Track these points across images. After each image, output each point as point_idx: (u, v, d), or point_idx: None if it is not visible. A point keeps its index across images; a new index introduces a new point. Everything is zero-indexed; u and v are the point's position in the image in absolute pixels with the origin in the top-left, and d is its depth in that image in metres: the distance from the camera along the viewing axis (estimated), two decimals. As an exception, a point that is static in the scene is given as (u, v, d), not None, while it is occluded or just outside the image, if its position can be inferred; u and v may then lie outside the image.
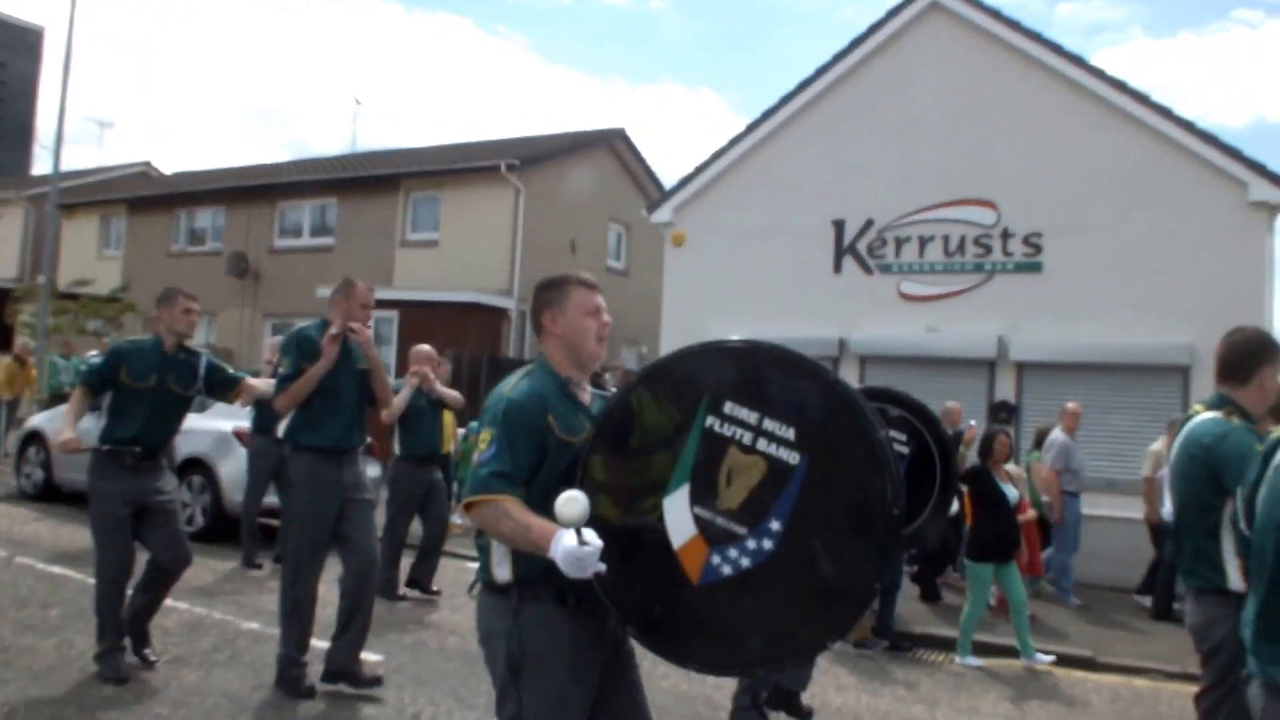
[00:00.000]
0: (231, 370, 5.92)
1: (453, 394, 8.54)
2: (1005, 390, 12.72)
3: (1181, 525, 3.57)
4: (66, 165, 27.56)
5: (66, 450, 5.20)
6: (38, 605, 6.83)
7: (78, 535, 9.01)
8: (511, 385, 2.80)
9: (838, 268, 14.07)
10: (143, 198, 25.70)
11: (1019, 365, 12.94)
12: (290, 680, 5.28)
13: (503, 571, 2.73)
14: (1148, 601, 10.19)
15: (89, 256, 26.35)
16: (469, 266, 18.95)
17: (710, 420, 2.55)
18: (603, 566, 2.44)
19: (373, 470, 10.64)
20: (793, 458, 2.46)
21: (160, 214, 25.06)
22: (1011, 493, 8.12)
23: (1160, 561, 10.06)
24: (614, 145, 21.87)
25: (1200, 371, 12.18)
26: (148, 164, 30.39)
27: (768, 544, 2.46)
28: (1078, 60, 12.99)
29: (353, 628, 5.34)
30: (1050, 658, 7.92)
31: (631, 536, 2.59)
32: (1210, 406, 3.64)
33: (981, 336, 12.96)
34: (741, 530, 2.49)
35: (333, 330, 5.29)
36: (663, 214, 15.45)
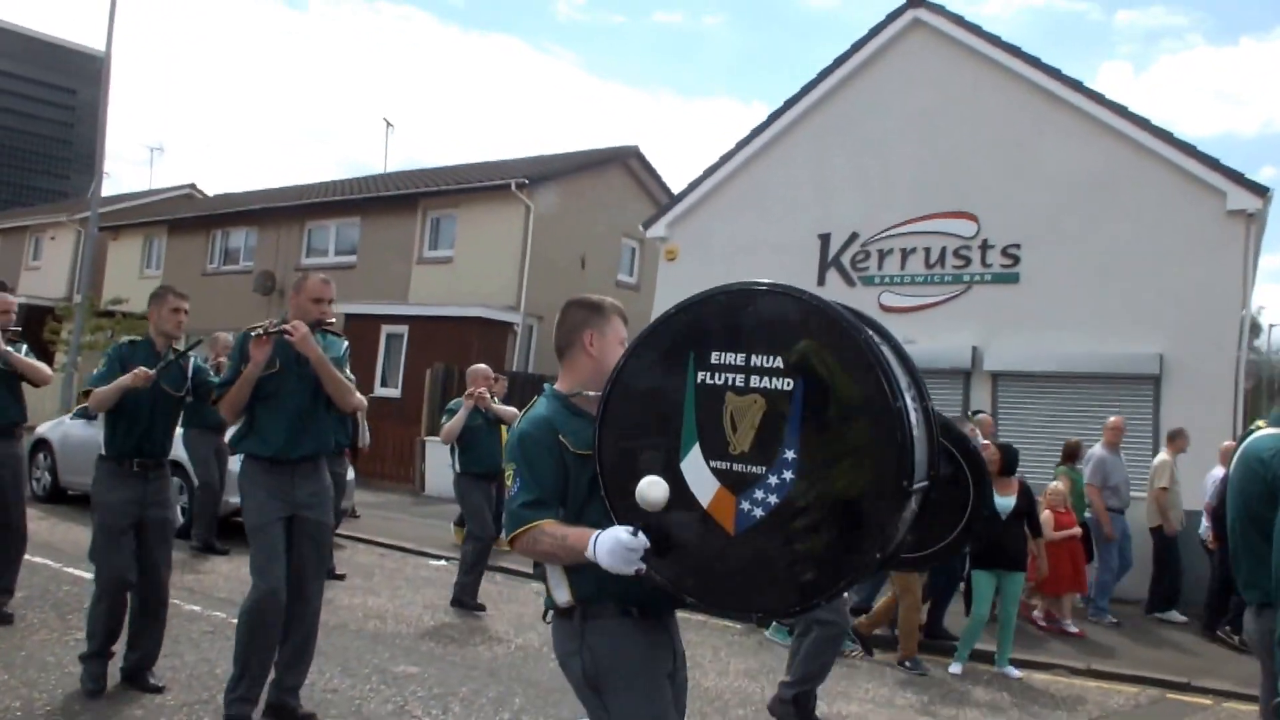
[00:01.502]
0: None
1: (509, 410, 8.55)
2: (980, 400, 12.82)
3: (1239, 540, 3.55)
4: (120, 189, 28.58)
5: (139, 381, 5.08)
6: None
7: (72, 532, 9.67)
8: (520, 418, 2.87)
9: (822, 280, 14.31)
10: (181, 219, 26.71)
11: (993, 375, 13.06)
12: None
13: (561, 594, 2.77)
14: (1172, 616, 9.87)
15: (132, 276, 27.38)
16: (479, 282, 19.44)
17: (701, 375, 2.55)
18: (643, 566, 2.49)
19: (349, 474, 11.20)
20: (786, 384, 2.46)
21: (198, 235, 26.03)
22: (1003, 502, 7.96)
23: (1167, 573, 9.92)
24: (627, 162, 22.27)
25: (1171, 381, 12.22)
26: (192, 186, 31.50)
27: (788, 474, 2.45)
28: (1055, 73, 13.12)
29: (283, 652, 4.88)
30: (1019, 673, 7.59)
31: (664, 511, 2.55)
32: (1273, 423, 3.58)
33: (957, 347, 13.09)
34: (759, 469, 2.48)
35: (258, 328, 4.79)
36: (658, 229, 15.83)
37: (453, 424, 8.19)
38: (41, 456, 12.39)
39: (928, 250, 13.67)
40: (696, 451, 2.56)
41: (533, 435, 2.74)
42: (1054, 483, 9.52)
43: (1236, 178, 12.06)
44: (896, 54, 14.22)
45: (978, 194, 13.34)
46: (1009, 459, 8.11)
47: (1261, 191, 11.95)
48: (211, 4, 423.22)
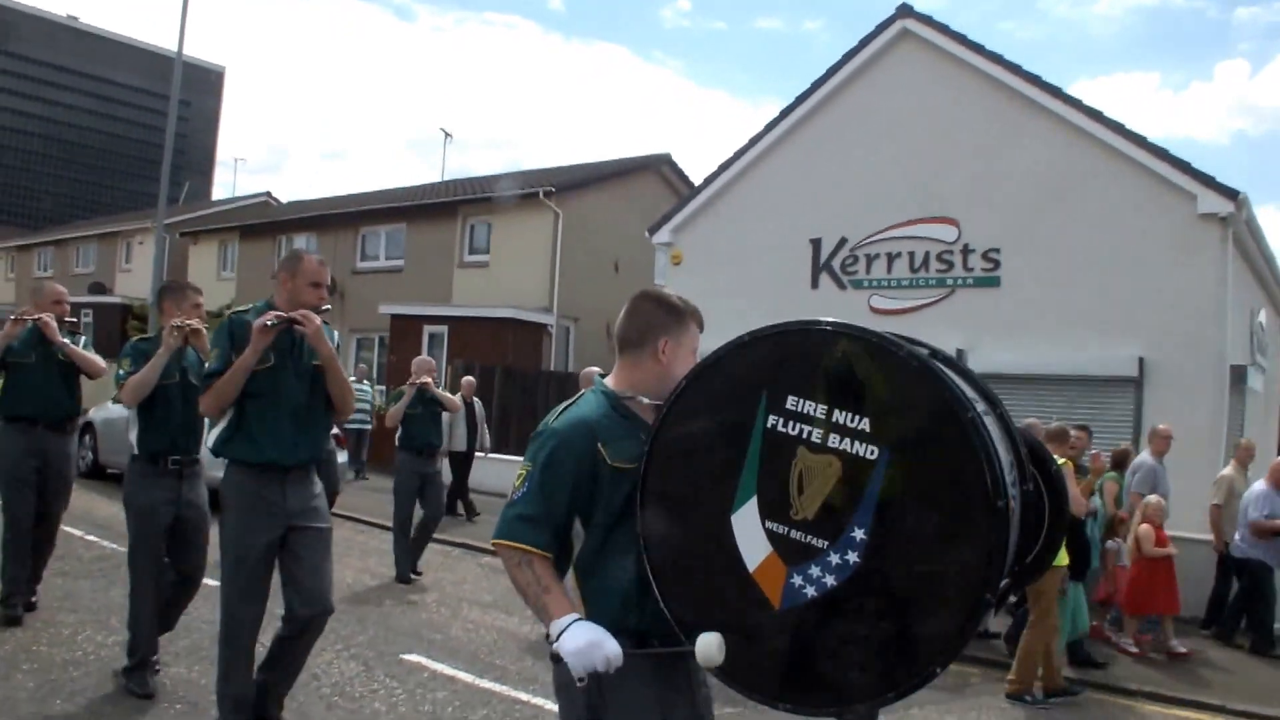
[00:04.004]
0: None
1: (450, 397, 9.79)
2: (956, 401, 13.11)
3: None
4: (223, 194, 30.23)
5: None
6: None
7: (108, 507, 10.59)
8: (558, 414, 2.54)
9: (815, 284, 14.80)
10: (251, 225, 28.33)
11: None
12: None
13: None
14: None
15: (210, 279, 29.08)
16: (514, 285, 20.42)
17: (772, 419, 2.24)
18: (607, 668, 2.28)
19: (340, 456, 12.18)
20: (870, 452, 2.13)
21: (266, 240, 27.61)
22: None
23: (1223, 592, 9.56)
24: (660, 170, 23.02)
25: (1151, 383, 12.40)
26: (268, 194, 33.24)
27: (853, 556, 2.14)
28: (1035, 79, 13.35)
29: (276, 669, 4.45)
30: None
31: (702, 559, 2.32)
32: None
33: (943, 349, 13.23)
34: (821, 543, 2.17)
35: (265, 319, 4.15)
36: (663, 235, 16.48)
37: (396, 408, 9.31)
38: (86, 438, 13.69)
39: (912, 255, 14.03)
40: (752, 506, 2.25)
41: (565, 441, 2.43)
42: (1152, 495, 9.00)
43: (1207, 181, 12.16)
44: (886, 63, 14.59)
45: (959, 199, 13.66)
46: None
47: (1232, 195, 12.03)
48: (324, 19, 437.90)
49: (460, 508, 13.18)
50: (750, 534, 2.25)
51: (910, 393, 2.15)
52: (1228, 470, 9.86)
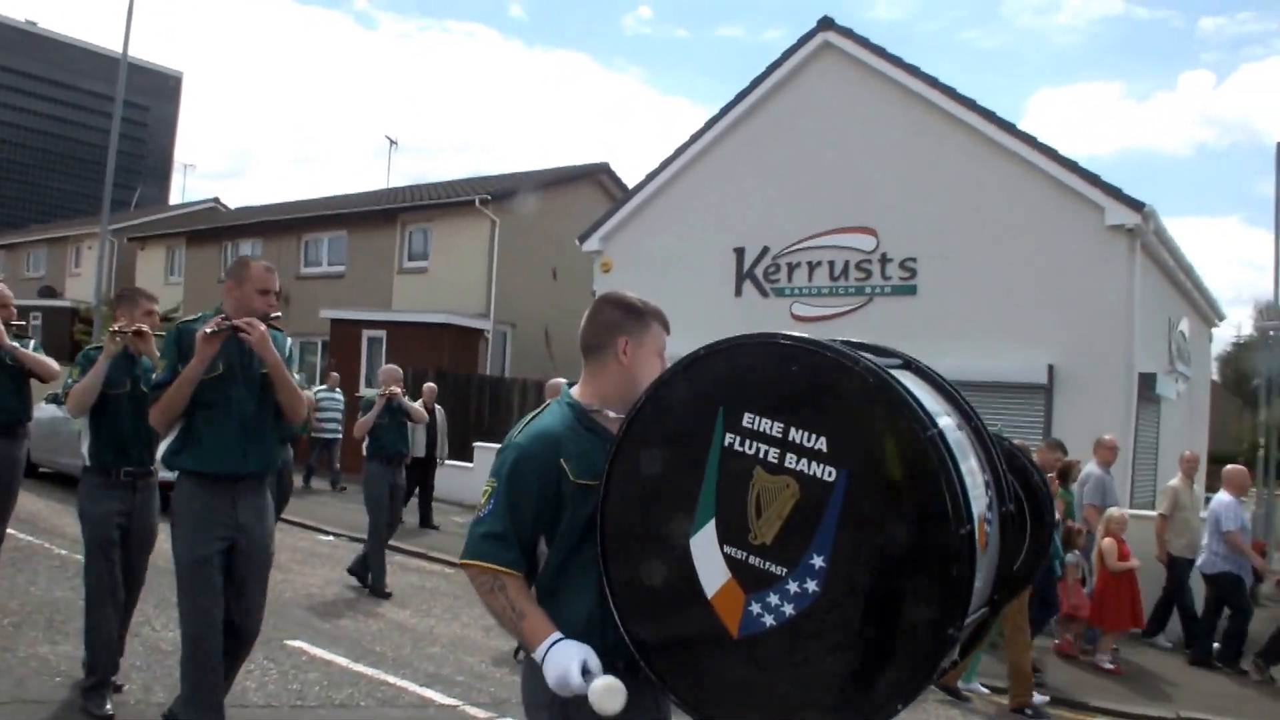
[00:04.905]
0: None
1: (418, 409, 9.73)
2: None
3: None
4: (185, 198, 30.06)
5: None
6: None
7: (35, 503, 10.56)
8: (521, 427, 2.46)
9: (739, 291, 14.96)
10: (198, 231, 28.20)
11: (886, 384, 13.52)
12: None
13: None
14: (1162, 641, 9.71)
15: (158, 284, 28.94)
16: (451, 291, 20.49)
17: (729, 438, 2.13)
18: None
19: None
20: (828, 474, 2.02)
21: (212, 246, 27.49)
22: None
23: (1173, 600, 9.64)
24: (599, 178, 23.15)
25: (1061, 390, 12.65)
26: (216, 200, 33.08)
27: (812, 585, 2.03)
28: (951, 92, 13.58)
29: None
30: (985, 690, 7.39)
31: (662, 584, 2.23)
32: None
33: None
34: (780, 570, 2.06)
35: (208, 327, 4.06)
36: (592, 243, 16.59)
37: (365, 419, 9.14)
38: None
39: (832, 263, 14.23)
40: (711, 530, 2.15)
41: (529, 455, 2.34)
42: (1115, 509, 9.10)
43: (1114, 193, 12.43)
44: (808, 75, 14.80)
45: (877, 209, 13.87)
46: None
47: (1138, 207, 12.30)
48: (287, 27, 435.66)
49: (432, 518, 13.16)
50: (709, 559, 2.15)
51: (867, 410, 2.01)
52: (1174, 481, 9.86)
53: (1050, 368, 12.66)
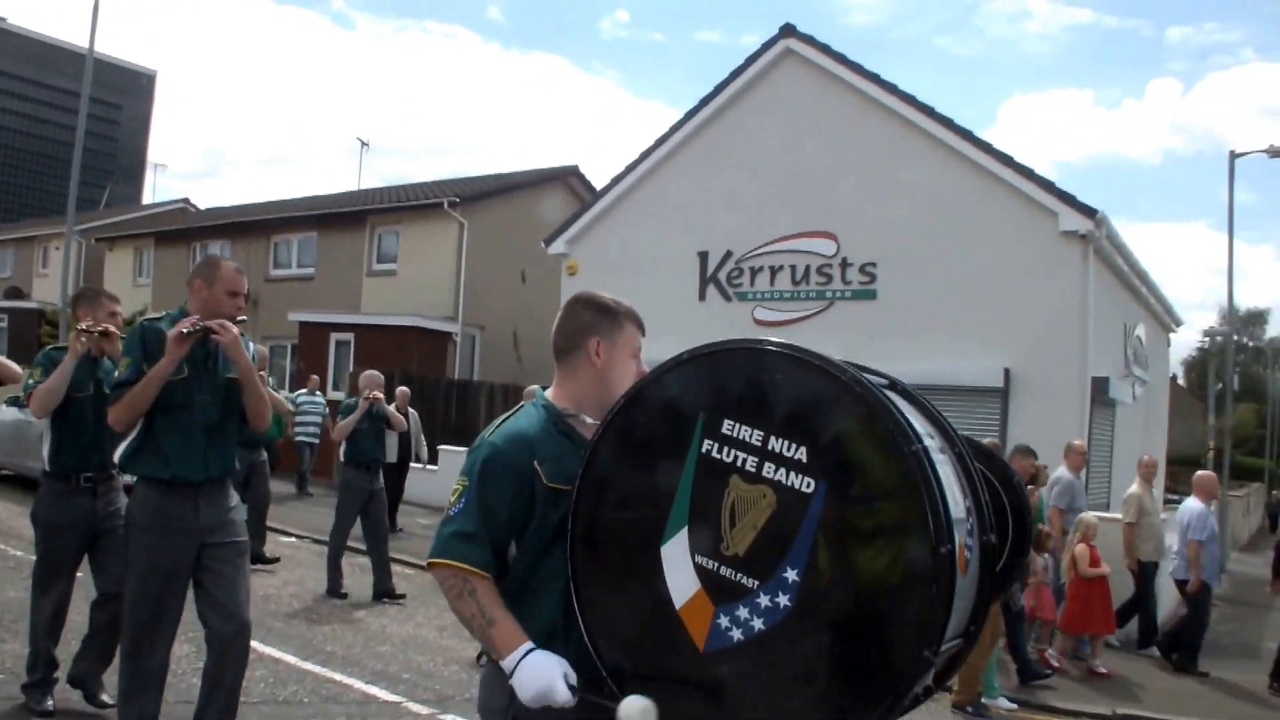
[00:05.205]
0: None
1: (398, 415, 9.64)
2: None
3: None
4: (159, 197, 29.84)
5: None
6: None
7: None
8: (495, 427, 2.40)
9: (702, 296, 15.12)
10: (166, 232, 28.12)
11: (847, 388, 13.70)
12: None
13: None
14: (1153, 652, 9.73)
15: (126, 285, 28.79)
16: (420, 294, 20.56)
17: (707, 444, 2.07)
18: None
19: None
20: (806, 485, 1.96)
21: (181, 247, 27.40)
22: None
23: (1140, 607, 9.73)
24: (568, 180, 23.26)
25: (1016, 394, 12.87)
26: (186, 201, 32.96)
27: (784, 599, 1.96)
28: (910, 99, 13.79)
29: (212, 706, 4.12)
30: (1013, 705, 7.39)
31: (630, 593, 2.17)
32: None
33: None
34: (751, 583, 2.00)
35: (180, 326, 3.93)
36: (558, 246, 16.71)
37: (346, 423, 9.01)
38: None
39: (794, 268, 14.41)
40: (683, 537, 2.09)
41: (502, 456, 2.28)
42: (1088, 514, 9.21)
43: (1068, 200, 12.67)
44: (770, 81, 14.98)
45: (838, 214, 14.06)
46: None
47: (1090, 213, 12.54)
48: (264, 27, 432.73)
49: (397, 521, 13.15)
50: (679, 567, 2.08)
51: (851, 422, 1.97)
52: (1134, 488, 9.88)
53: (1006, 371, 12.89)
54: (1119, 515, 9.96)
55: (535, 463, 2.26)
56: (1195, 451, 26.58)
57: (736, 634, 2.00)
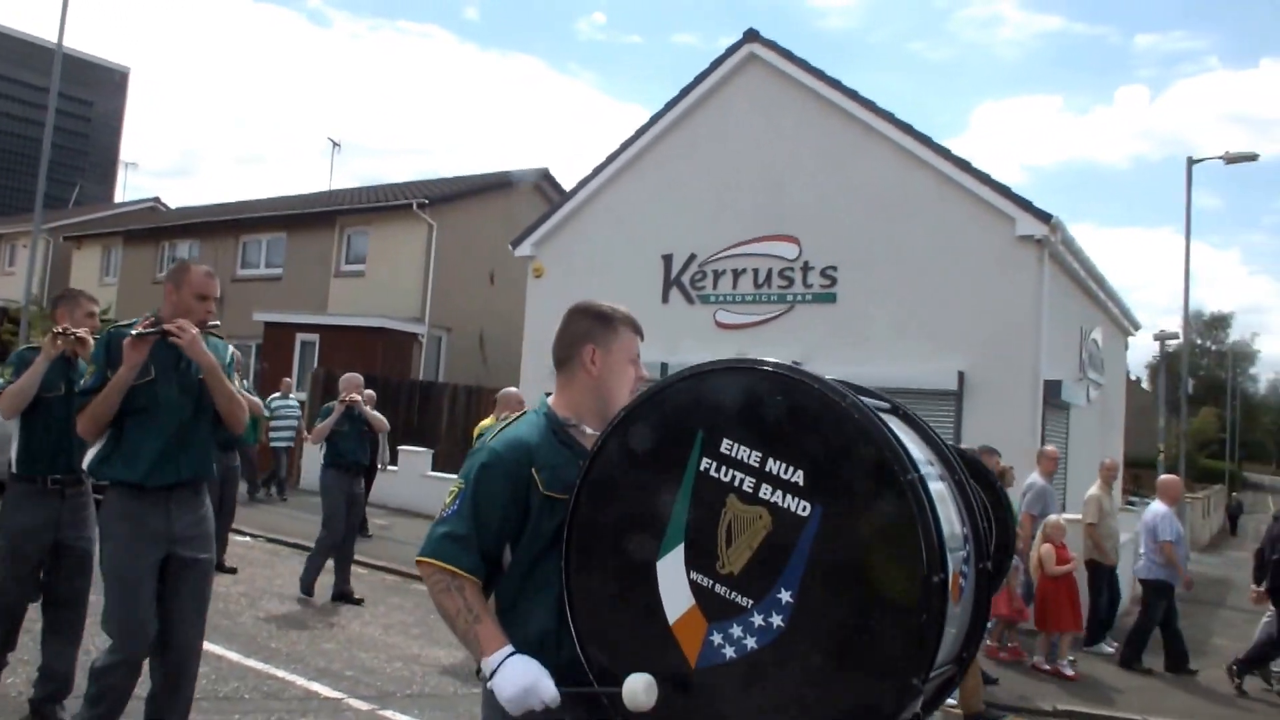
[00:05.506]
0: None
1: (378, 416, 9.61)
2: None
3: None
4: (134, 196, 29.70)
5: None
6: None
7: None
8: (496, 432, 2.43)
9: (665, 298, 15.21)
10: (134, 231, 27.99)
11: (803, 390, 13.86)
12: None
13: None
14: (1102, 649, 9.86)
15: (93, 284, 28.66)
16: (387, 295, 20.61)
17: (705, 462, 2.10)
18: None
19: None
20: (803, 508, 1.99)
21: (149, 247, 27.29)
22: None
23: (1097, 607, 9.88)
24: (537, 183, 23.33)
25: (970, 396, 13.05)
26: (156, 200, 32.81)
27: (777, 620, 1.99)
28: (870, 105, 13.95)
29: (164, 706, 4.07)
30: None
31: (624, 605, 2.18)
32: None
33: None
34: (745, 602, 2.02)
35: (138, 328, 3.96)
36: (525, 248, 16.79)
37: (323, 426, 8.98)
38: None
39: (756, 271, 14.54)
40: (679, 554, 2.11)
41: (500, 462, 2.31)
42: (1053, 515, 9.33)
43: (1025, 205, 12.86)
44: (734, 86, 15.11)
45: (799, 218, 14.20)
46: None
47: (1046, 218, 12.73)
48: (238, 24, 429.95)
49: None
50: (674, 584, 2.11)
51: (849, 448, 2.00)
52: (1094, 490, 10.02)
53: (960, 374, 13.05)
54: (1076, 516, 10.18)
55: (533, 470, 2.29)
56: (1154, 454, 26.96)
57: (729, 651, 2.04)
